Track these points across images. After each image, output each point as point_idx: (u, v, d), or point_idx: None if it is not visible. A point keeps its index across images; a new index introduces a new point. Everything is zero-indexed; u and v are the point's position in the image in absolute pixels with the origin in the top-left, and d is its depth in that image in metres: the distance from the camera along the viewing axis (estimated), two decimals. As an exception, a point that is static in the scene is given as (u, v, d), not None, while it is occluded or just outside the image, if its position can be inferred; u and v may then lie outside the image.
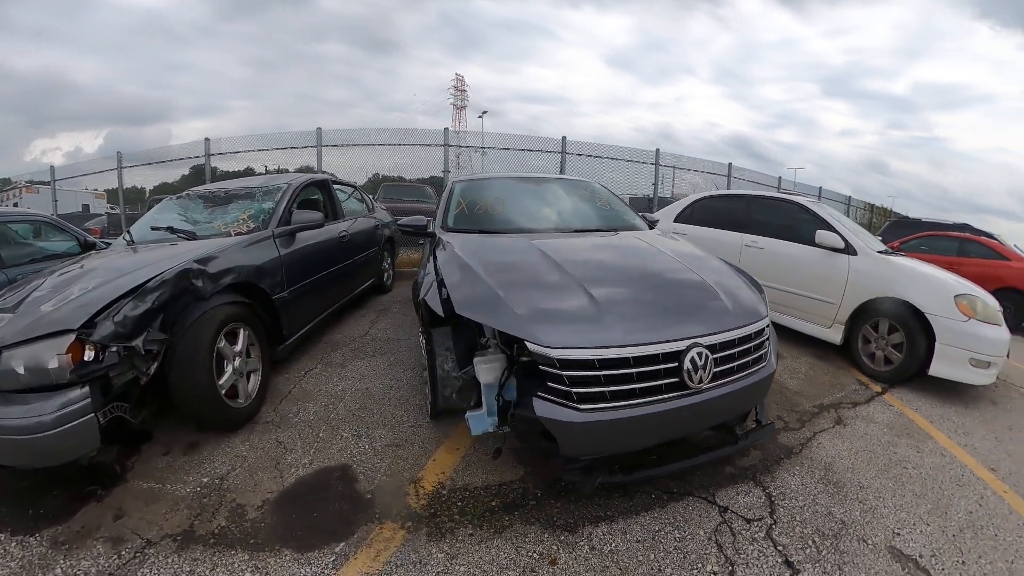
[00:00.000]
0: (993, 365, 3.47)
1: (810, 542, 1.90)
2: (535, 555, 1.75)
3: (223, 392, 2.37)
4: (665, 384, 1.81)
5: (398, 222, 3.41)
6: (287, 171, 7.57)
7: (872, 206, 16.86)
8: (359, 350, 3.72)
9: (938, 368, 3.52)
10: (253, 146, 8.62)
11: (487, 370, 1.94)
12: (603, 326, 1.85)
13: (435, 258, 2.62)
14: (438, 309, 2.11)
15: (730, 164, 10.64)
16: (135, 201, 12.14)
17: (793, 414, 3.06)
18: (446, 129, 8.04)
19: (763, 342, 2.15)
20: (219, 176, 8.59)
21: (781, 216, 4.86)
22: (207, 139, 8.85)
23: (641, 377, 1.79)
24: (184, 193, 3.88)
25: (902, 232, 8.76)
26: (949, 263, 6.22)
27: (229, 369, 2.47)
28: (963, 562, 1.88)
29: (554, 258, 2.40)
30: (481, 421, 1.99)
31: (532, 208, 3.52)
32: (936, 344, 3.52)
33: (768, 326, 2.23)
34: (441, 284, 2.22)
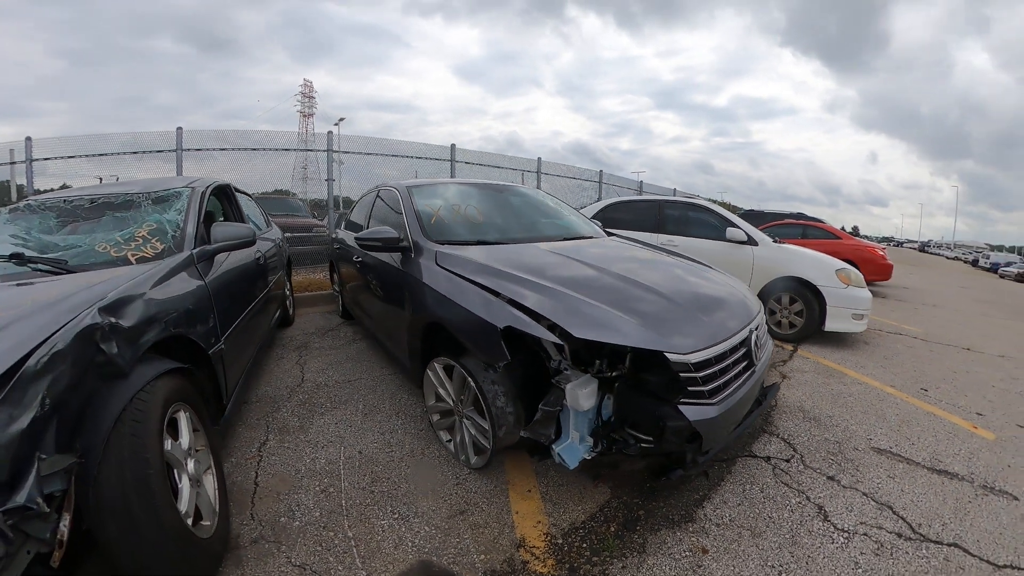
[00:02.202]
0: (866, 317, 4.81)
1: (830, 460, 2.52)
2: (687, 552, 1.81)
3: (190, 523, 1.51)
4: (744, 365, 2.10)
5: (357, 236, 2.91)
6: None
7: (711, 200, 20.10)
8: (310, 404, 2.98)
9: (831, 324, 4.74)
10: (87, 149, 6.36)
11: (586, 395, 1.83)
12: (699, 325, 1.99)
13: (431, 273, 2.43)
14: (494, 327, 1.91)
15: (601, 171, 11.85)
16: None
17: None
18: (329, 133, 7.04)
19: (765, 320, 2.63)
20: (26, 196, 6.06)
21: (690, 217, 5.83)
22: (28, 138, 6.31)
23: (735, 363, 2.03)
24: (18, 205, 2.63)
25: (751, 223, 10.85)
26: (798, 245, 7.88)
27: (184, 483, 1.57)
28: (912, 443, 2.78)
29: (601, 266, 2.42)
30: (575, 451, 1.93)
31: (513, 216, 3.43)
32: (827, 307, 4.73)
33: None
34: (490, 304, 2.03)
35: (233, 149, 6.71)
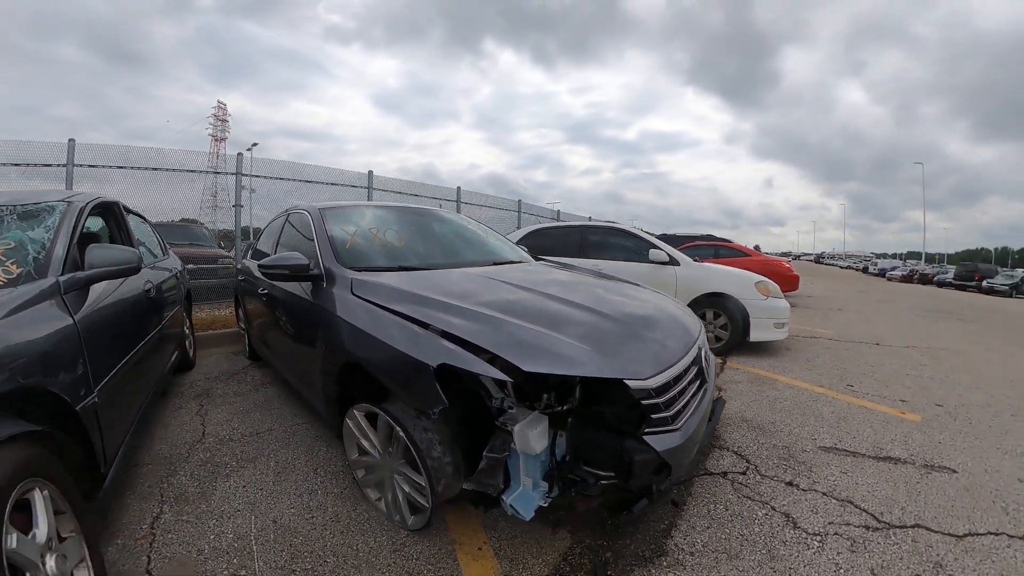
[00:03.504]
0: (786, 325, 5.05)
1: (783, 465, 2.51)
2: None
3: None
4: (699, 383, 2.02)
5: (260, 264, 2.50)
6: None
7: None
8: (212, 464, 2.49)
9: (755, 335, 4.93)
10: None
11: (537, 436, 1.58)
12: (653, 346, 1.84)
13: (345, 305, 2.12)
14: (425, 364, 1.62)
15: (520, 201, 11.89)
16: None
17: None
18: (239, 154, 6.39)
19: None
20: None
21: (612, 241, 5.92)
22: None
23: (690, 383, 1.92)
24: None
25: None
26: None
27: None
28: (853, 437, 2.89)
29: (539, 289, 2.23)
30: (529, 500, 1.67)
31: (436, 241, 3.20)
32: (751, 319, 4.91)
33: None
34: (418, 337, 1.75)
35: (133, 168, 5.86)
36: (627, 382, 1.58)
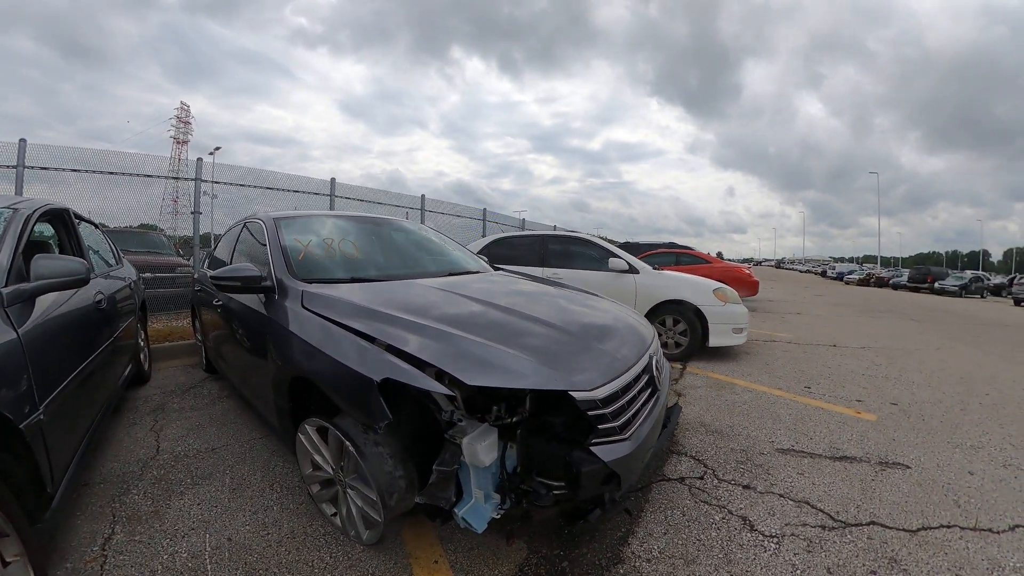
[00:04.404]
0: (745, 330, 5.13)
1: (741, 469, 2.53)
2: None
3: None
4: (649, 392, 2.01)
5: (212, 275, 2.42)
6: None
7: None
8: (166, 481, 2.39)
9: (714, 340, 4.98)
10: None
11: (486, 448, 1.57)
12: (600, 356, 1.85)
13: (296, 318, 2.09)
14: (370, 378, 1.60)
15: (484, 210, 11.90)
16: None
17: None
18: (199, 159, 6.15)
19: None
20: None
21: (573, 250, 5.96)
22: None
23: (640, 392, 1.92)
24: None
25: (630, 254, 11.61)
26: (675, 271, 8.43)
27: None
28: (809, 438, 2.96)
29: (490, 301, 2.22)
30: (481, 512, 1.65)
31: (393, 252, 3.17)
32: (709, 325, 4.96)
33: None
34: (364, 352, 1.73)
35: (89, 171, 5.59)
36: (572, 394, 1.58)
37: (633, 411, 1.78)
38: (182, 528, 1.98)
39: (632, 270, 5.30)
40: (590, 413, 1.60)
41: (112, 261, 3.66)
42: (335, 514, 1.98)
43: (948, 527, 1.98)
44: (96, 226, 3.64)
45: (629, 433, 1.69)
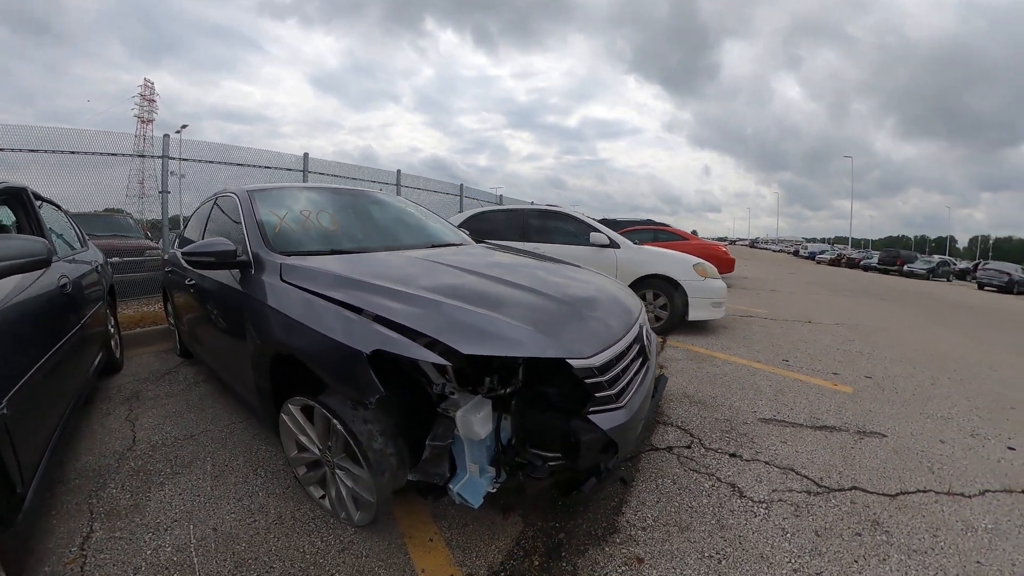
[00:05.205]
0: (723, 305, 5.21)
1: (726, 438, 2.58)
2: (622, 566, 1.64)
3: None
4: (640, 361, 2.02)
5: (184, 251, 2.31)
6: None
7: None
8: (145, 472, 2.28)
9: (694, 314, 5.06)
10: None
11: (481, 421, 1.54)
12: (594, 325, 1.83)
13: (275, 292, 2.00)
14: (359, 349, 1.53)
15: (462, 185, 11.83)
16: None
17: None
18: (165, 136, 5.85)
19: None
20: None
21: (553, 225, 5.93)
22: None
23: (633, 360, 1.92)
24: None
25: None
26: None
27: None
28: (790, 408, 3.03)
29: (478, 271, 2.17)
30: (476, 487, 1.63)
31: (372, 224, 3.06)
32: (689, 299, 5.02)
33: None
34: (351, 323, 1.65)
35: (49, 152, 5.28)
36: (570, 361, 1.55)
37: (627, 380, 1.78)
38: (164, 520, 1.90)
39: (613, 245, 5.33)
40: (587, 381, 1.58)
41: (77, 244, 3.47)
42: (324, 496, 1.93)
43: (924, 492, 2.07)
44: (58, 207, 3.45)
45: (624, 401, 1.68)
